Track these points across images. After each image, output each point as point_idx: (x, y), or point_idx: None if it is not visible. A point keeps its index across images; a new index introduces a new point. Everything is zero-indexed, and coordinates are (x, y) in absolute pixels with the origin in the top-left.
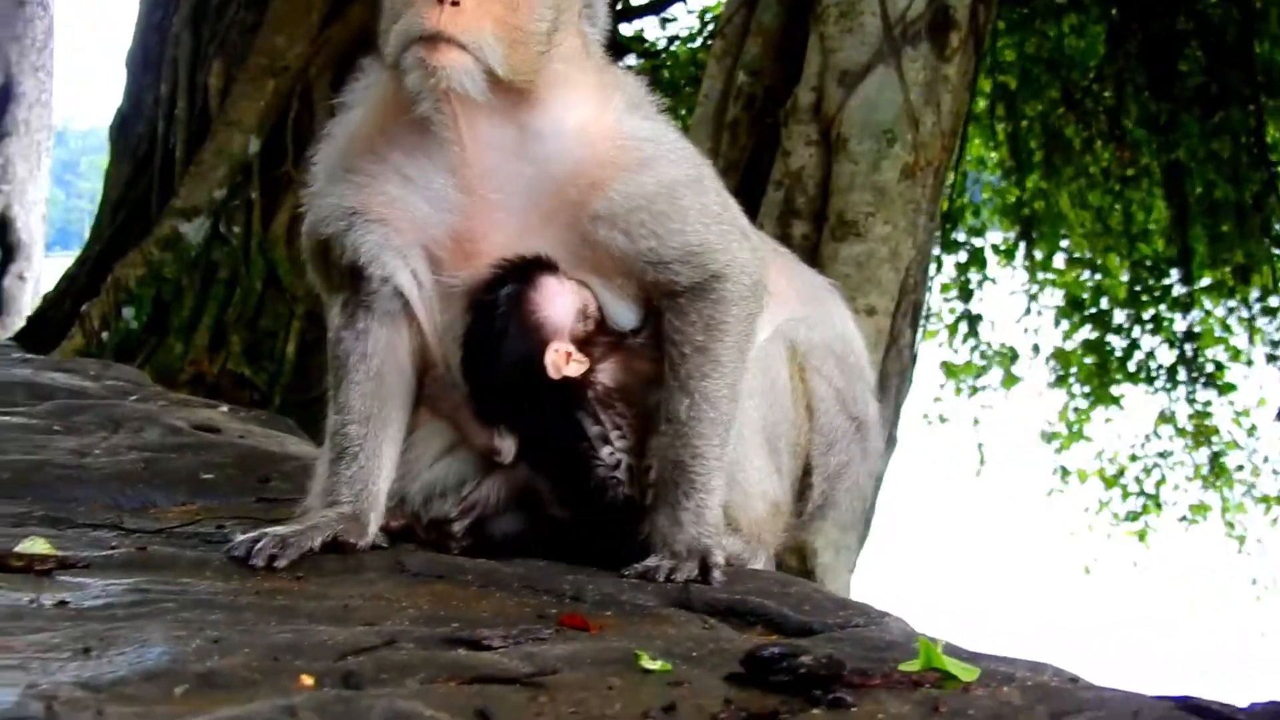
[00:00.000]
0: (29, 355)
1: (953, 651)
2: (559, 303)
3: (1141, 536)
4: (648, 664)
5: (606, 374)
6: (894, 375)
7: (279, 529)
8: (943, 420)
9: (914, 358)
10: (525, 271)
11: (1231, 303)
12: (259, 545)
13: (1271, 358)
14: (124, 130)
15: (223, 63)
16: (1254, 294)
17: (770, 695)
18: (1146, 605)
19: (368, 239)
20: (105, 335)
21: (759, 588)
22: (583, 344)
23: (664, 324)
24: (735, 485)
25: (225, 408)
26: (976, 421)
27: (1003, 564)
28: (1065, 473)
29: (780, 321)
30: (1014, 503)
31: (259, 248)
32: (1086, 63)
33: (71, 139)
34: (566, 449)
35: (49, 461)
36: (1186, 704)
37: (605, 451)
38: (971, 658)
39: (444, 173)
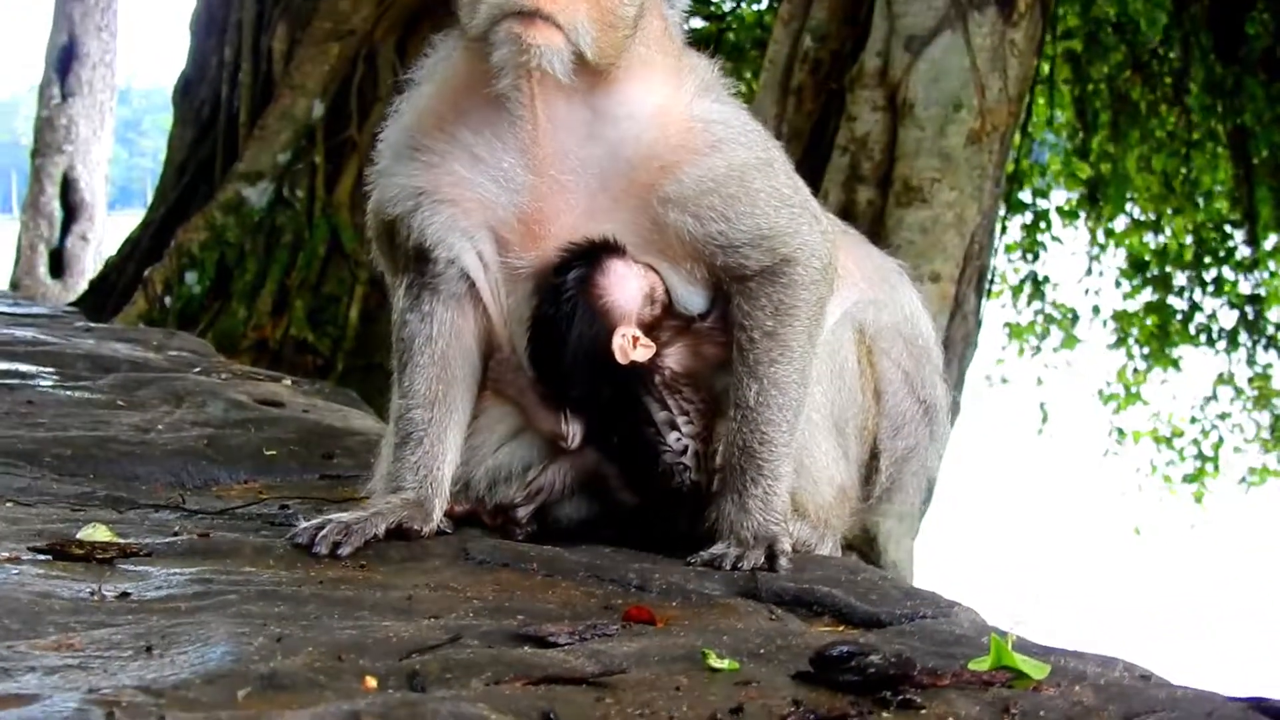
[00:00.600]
0: (92, 324)
1: (1023, 647)
2: (626, 287)
3: (1198, 498)
4: (715, 663)
5: (674, 359)
6: (958, 341)
7: (343, 515)
8: (1004, 381)
9: (979, 323)
10: (593, 255)
11: None
12: (322, 533)
13: None
14: (187, 94)
15: (287, 26)
16: None
17: (839, 696)
18: (1203, 566)
19: (435, 220)
20: (168, 300)
21: (826, 576)
22: (650, 328)
23: (733, 309)
24: (803, 471)
25: (289, 380)
26: (1040, 381)
27: (1060, 524)
28: (1121, 434)
29: (848, 304)
30: (1073, 463)
31: (323, 212)
32: (1152, 26)
33: (135, 97)
34: (633, 434)
35: (112, 439)
36: (1261, 706)
37: (672, 437)
38: (1042, 652)
39: (514, 152)
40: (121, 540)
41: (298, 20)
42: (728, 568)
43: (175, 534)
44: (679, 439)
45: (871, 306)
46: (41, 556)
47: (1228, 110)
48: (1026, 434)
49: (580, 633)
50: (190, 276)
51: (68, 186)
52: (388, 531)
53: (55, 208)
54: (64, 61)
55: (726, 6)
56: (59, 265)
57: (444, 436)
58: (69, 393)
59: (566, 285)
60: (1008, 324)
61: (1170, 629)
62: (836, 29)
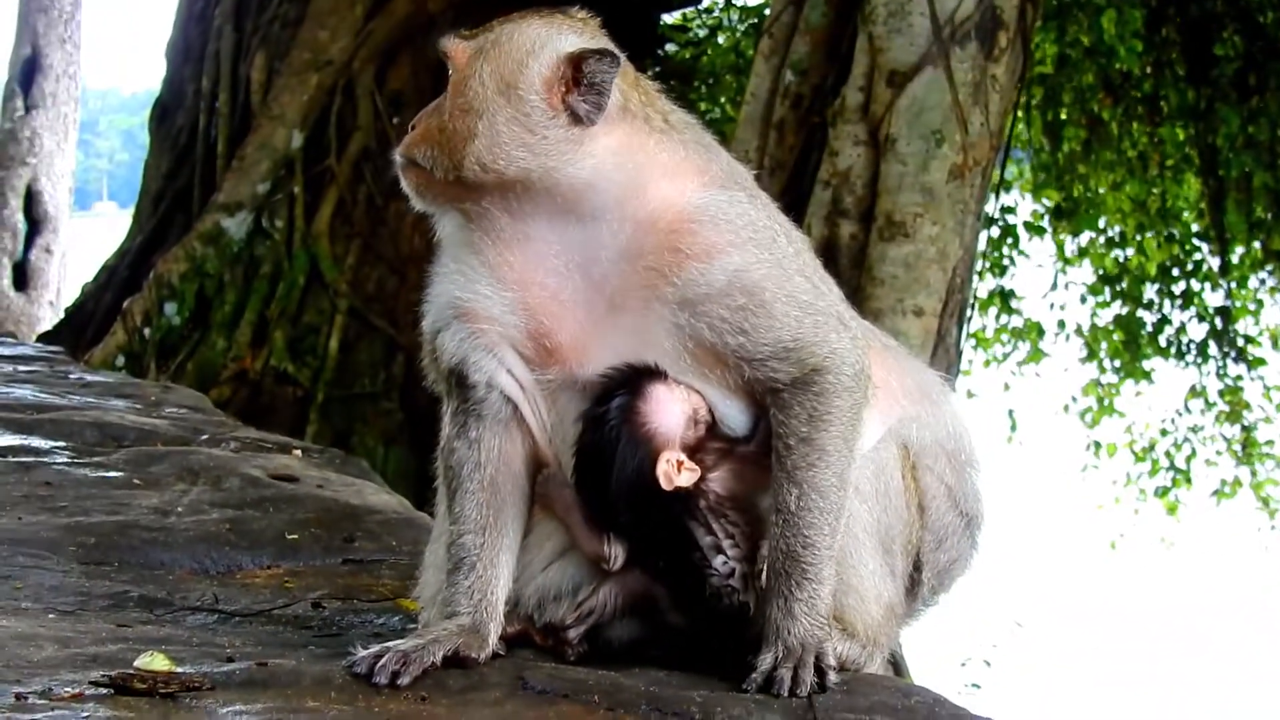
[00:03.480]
0: (86, 376)
1: None
2: (669, 411)
3: (1172, 510)
4: None
5: (718, 482)
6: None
7: (400, 644)
8: (971, 395)
9: (960, 354)
10: (634, 381)
11: (1263, 274)
12: (381, 662)
13: None
14: (164, 121)
15: (265, 56)
16: None
17: None
18: (1177, 578)
19: (458, 336)
20: (147, 332)
21: (882, 703)
22: (694, 451)
23: (770, 415)
24: (851, 590)
25: (298, 451)
26: (1007, 387)
27: (1036, 539)
28: (1097, 447)
29: (892, 422)
30: (1045, 477)
31: (301, 243)
32: (1129, 54)
33: (91, 98)
34: (680, 558)
35: (133, 524)
36: None
37: (719, 561)
38: None
39: (493, 270)
40: (180, 670)
41: (276, 50)
42: (785, 694)
43: (229, 659)
44: (725, 562)
45: (915, 423)
46: (104, 691)
47: (1200, 132)
48: (995, 445)
49: None
50: (169, 308)
51: (31, 199)
52: (445, 659)
53: (19, 220)
54: (27, 74)
55: (702, 34)
56: (23, 278)
57: (496, 560)
58: (85, 471)
59: (609, 414)
60: (974, 334)
61: (1148, 645)
62: (818, 63)
